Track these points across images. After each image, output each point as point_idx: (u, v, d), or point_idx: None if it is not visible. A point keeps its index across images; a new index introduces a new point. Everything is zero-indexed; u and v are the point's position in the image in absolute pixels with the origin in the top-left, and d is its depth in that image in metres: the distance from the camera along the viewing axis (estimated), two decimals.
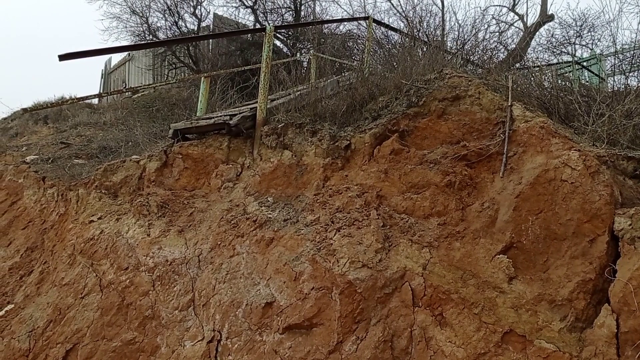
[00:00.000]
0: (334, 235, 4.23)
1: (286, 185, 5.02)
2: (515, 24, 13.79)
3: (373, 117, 5.13)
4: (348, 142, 4.92)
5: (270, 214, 4.71)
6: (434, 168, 4.41)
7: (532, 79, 5.50)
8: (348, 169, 4.86)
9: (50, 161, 7.41)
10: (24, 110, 6.30)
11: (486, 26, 11.26)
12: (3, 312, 5.13)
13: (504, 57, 9.46)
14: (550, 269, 3.57)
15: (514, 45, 11.66)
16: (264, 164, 5.24)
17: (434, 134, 4.70)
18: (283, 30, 15.04)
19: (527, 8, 13.56)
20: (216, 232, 4.80)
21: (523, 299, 3.51)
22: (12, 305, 5.17)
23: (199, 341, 4.20)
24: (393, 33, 9.68)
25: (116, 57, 19.12)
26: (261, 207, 4.85)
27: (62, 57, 4.65)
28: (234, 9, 15.50)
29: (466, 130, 4.57)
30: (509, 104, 4.38)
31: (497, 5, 13.75)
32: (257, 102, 5.80)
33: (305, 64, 12.21)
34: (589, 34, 13.94)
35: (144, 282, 4.64)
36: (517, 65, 8.25)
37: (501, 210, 3.91)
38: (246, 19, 15.74)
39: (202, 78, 7.44)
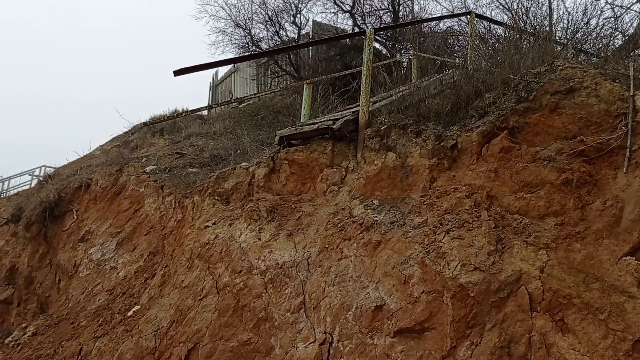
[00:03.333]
0: (443, 237, 4.14)
1: (391, 187, 4.99)
2: (634, 7, 12.75)
3: (480, 115, 4.96)
4: (454, 141, 4.80)
5: (376, 216, 4.70)
6: (548, 165, 4.18)
7: None
8: (455, 169, 4.74)
9: (167, 170, 7.91)
10: (144, 124, 6.81)
11: (599, 12, 10.51)
12: (131, 312, 5.54)
13: (621, 44, 8.78)
14: None
15: (633, 30, 10.79)
16: (368, 166, 5.25)
17: (547, 129, 4.46)
18: (382, 33, 15.00)
19: None
20: (323, 235, 4.87)
21: None
22: (139, 306, 5.57)
23: (311, 343, 4.28)
24: (497, 27, 9.32)
25: (222, 70, 20.08)
26: (367, 210, 4.86)
27: (177, 73, 4.95)
28: (332, 14, 15.74)
29: (582, 124, 4.29)
30: (631, 93, 4.06)
31: None
32: (358, 105, 5.82)
33: (405, 64, 12.07)
34: None
35: (257, 284, 4.81)
36: (638, 51, 7.63)
37: (627, 208, 3.63)
38: (344, 23, 15.91)
39: (304, 85, 7.59)
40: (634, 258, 3.44)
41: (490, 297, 3.69)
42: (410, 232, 4.37)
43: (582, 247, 3.69)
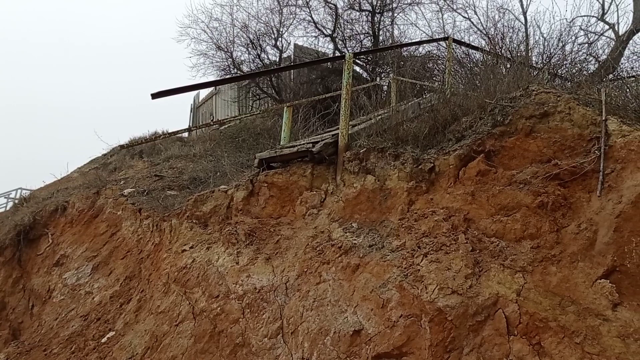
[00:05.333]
0: (421, 260, 4.14)
1: (370, 210, 4.99)
2: (606, 34, 13.09)
3: (457, 139, 5.01)
4: (432, 164, 4.83)
5: (355, 239, 4.69)
6: (524, 189, 4.23)
7: (628, 90, 5.17)
8: (433, 192, 4.77)
9: (145, 193, 7.84)
10: (121, 146, 6.71)
11: (573, 38, 10.76)
12: (105, 339, 5.43)
13: (594, 69, 8.99)
14: None
15: (605, 56, 11.06)
16: (347, 189, 5.25)
17: (523, 153, 4.52)
18: (362, 56, 15.17)
19: (618, 16, 12.80)
20: (302, 259, 4.84)
21: (630, 327, 3.25)
22: (114, 333, 5.45)
23: None
24: (474, 52, 9.49)
25: (204, 92, 20.08)
26: (346, 233, 4.85)
27: (155, 96, 4.94)
28: (314, 38, 15.89)
29: (557, 148, 4.35)
30: (603, 118, 4.14)
31: (584, 16, 13.05)
32: (338, 128, 5.85)
33: (385, 88, 12.21)
34: None
35: (234, 309, 4.74)
36: (610, 76, 7.80)
37: (600, 231, 3.67)
38: (325, 47, 16.05)
39: (285, 107, 7.62)
40: (608, 281, 3.46)
41: (467, 320, 3.69)
42: (388, 255, 4.36)
43: (557, 270, 3.72)
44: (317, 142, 5.69)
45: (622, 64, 10.69)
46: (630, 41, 11.98)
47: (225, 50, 15.45)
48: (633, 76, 6.52)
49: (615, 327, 3.29)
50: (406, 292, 3.98)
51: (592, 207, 3.88)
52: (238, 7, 16.23)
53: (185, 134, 14.92)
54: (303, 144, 5.92)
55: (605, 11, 13.16)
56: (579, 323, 3.42)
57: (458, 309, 3.71)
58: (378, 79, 13.92)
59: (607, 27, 12.90)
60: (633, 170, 3.75)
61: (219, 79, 15.46)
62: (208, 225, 5.77)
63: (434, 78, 11.80)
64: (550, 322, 3.49)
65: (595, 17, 13.29)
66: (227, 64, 15.59)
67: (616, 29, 12.62)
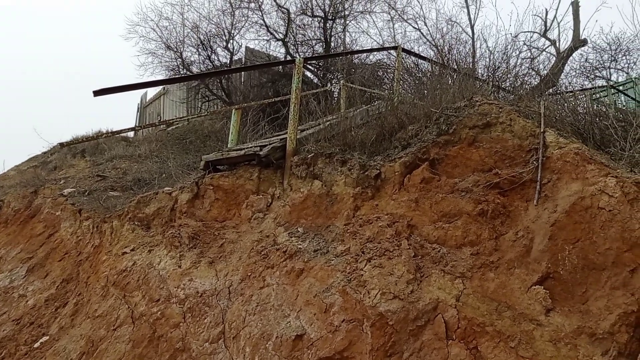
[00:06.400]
0: (365, 265, 4.17)
1: (316, 215, 5.00)
2: (548, 50, 13.64)
3: (403, 146, 5.09)
4: (378, 171, 4.89)
5: (300, 244, 4.68)
6: (465, 196, 4.33)
7: (566, 104, 5.39)
8: (378, 199, 4.82)
9: (86, 194, 7.58)
10: (62, 144, 6.48)
11: (518, 52, 11.15)
12: (38, 343, 5.20)
13: (536, 83, 9.33)
14: (590, 300, 3.44)
15: (546, 71, 11.52)
16: (294, 194, 5.24)
17: (465, 162, 4.64)
18: (313, 62, 15.23)
19: (559, 33, 13.33)
20: (246, 263, 4.79)
21: (562, 332, 3.38)
22: (47, 337, 5.23)
23: None
24: (423, 62, 9.69)
25: (152, 92, 19.67)
26: (291, 237, 4.83)
27: (97, 93, 4.79)
28: (265, 42, 15.83)
29: (498, 158, 4.49)
30: (542, 130, 4.30)
31: (528, 32, 13.60)
32: (287, 132, 5.84)
33: (335, 94, 12.29)
34: (624, 57, 13.68)
35: (175, 314, 4.64)
36: (550, 91, 8.12)
37: (536, 239, 3.80)
38: (277, 51, 16.03)
39: (233, 110, 7.54)
40: (542, 287, 3.59)
41: (408, 325, 3.74)
42: (333, 260, 4.37)
43: (495, 276, 3.82)
44: (265, 146, 5.66)
45: (561, 79, 11.17)
46: (570, 58, 12.53)
47: (175, 50, 15.21)
48: (571, 91, 6.80)
49: (548, 332, 3.41)
50: (349, 297, 4.00)
51: (529, 215, 4.01)
52: (189, 7, 16.05)
53: (131, 134, 14.56)
54: (251, 147, 5.88)
55: (547, 28, 13.73)
56: (514, 328, 3.52)
57: (399, 314, 3.75)
58: (328, 84, 14.01)
59: (548, 43, 13.45)
60: (568, 180, 3.91)
61: (167, 78, 15.18)
62: (151, 227, 5.63)
63: (383, 86, 11.98)
64: (487, 327, 3.58)
65: (537, 33, 13.84)
66: (176, 64, 15.34)
67: (557, 45, 13.18)
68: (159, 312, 4.69)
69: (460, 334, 3.64)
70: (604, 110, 5.37)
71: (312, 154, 5.32)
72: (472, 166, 4.58)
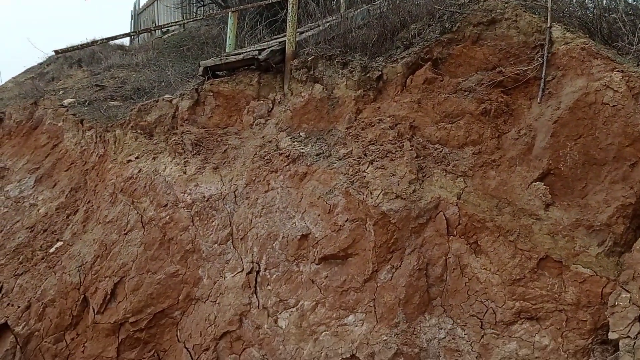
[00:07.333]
0: (367, 167, 4.22)
1: (318, 119, 4.99)
2: None
3: (405, 46, 4.97)
4: (380, 72, 4.81)
5: (302, 148, 4.71)
6: (468, 96, 4.30)
7: None
8: (380, 101, 4.78)
9: (86, 104, 7.50)
10: (56, 51, 6.32)
11: None
12: (54, 249, 5.39)
13: None
14: (589, 194, 3.51)
15: None
16: (295, 98, 5.20)
17: (469, 60, 4.55)
18: None
19: None
20: (250, 168, 4.85)
21: (560, 225, 3.48)
22: (62, 243, 5.41)
23: (238, 272, 4.35)
24: None
25: None
26: (293, 142, 4.85)
27: None
28: None
29: (502, 56, 4.40)
30: (548, 25, 4.18)
31: None
32: (286, 35, 5.69)
33: None
34: None
35: (183, 218, 4.77)
36: None
37: (538, 136, 3.82)
38: None
39: (230, 13, 7.29)
40: (542, 183, 3.65)
41: (410, 223, 3.85)
42: (335, 163, 4.42)
43: (496, 174, 3.88)
44: (263, 50, 5.53)
45: None
46: None
47: None
48: None
49: (547, 225, 3.52)
50: (352, 198, 4.08)
51: (532, 113, 4.00)
52: None
53: (127, 43, 14.18)
54: (249, 51, 5.74)
55: None
56: (514, 223, 3.62)
57: (401, 212, 3.85)
58: None
59: None
60: (573, 77, 3.86)
61: None
62: (153, 135, 5.63)
63: None
64: (487, 223, 3.69)
65: None
66: None
67: None
68: (168, 217, 4.81)
69: (461, 230, 3.76)
70: (613, 3, 5.18)
71: (312, 57, 5.21)
72: (476, 65, 4.51)
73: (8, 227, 6.18)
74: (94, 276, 4.83)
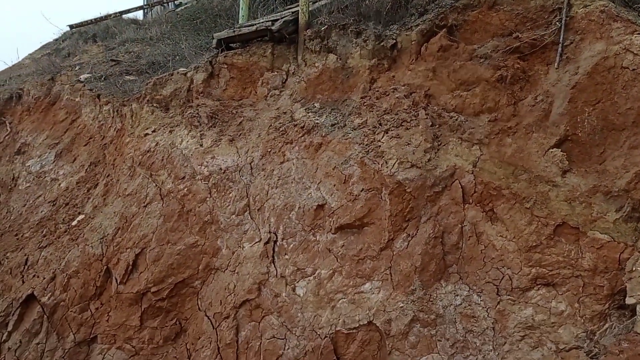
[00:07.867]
0: (382, 137, 4.22)
1: (332, 89, 4.97)
2: None
3: (420, 13, 4.90)
4: (394, 41, 4.75)
5: (317, 119, 4.71)
6: (484, 63, 4.24)
7: None
8: (395, 70, 4.74)
9: (103, 79, 7.56)
10: (70, 26, 6.37)
11: None
12: (76, 222, 5.51)
13: None
14: (607, 160, 3.47)
15: None
16: (309, 69, 5.18)
17: (485, 26, 4.47)
18: None
19: None
20: (266, 139, 4.87)
21: (577, 191, 3.46)
22: (83, 216, 5.53)
23: (256, 242, 4.42)
24: None
25: None
26: (308, 113, 4.86)
27: None
28: None
29: (519, 21, 4.31)
30: None
31: None
32: (298, 5, 5.64)
33: None
34: None
35: (201, 189, 4.83)
36: None
37: (556, 102, 3.77)
38: None
39: None
40: (559, 150, 3.62)
41: (425, 192, 3.85)
42: (350, 133, 4.42)
43: (513, 141, 3.85)
44: (276, 20, 5.50)
45: None
46: None
47: None
48: None
49: (563, 192, 3.50)
50: (367, 168, 4.09)
51: (549, 79, 3.94)
52: None
53: (140, 17, 14.16)
54: (262, 22, 5.71)
55: None
56: (530, 190, 3.61)
57: (417, 181, 3.86)
58: None
59: None
60: (592, 41, 3.78)
61: None
62: (169, 108, 5.68)
63: None
64: (504, 190, 3.68)
65: None
66: None
67: None
68: (186, 189, 4.88)
69: (476, 198, 3.76)
70: None
71: (326, 27, 5.16)
72: (492, 31, 4.42)
73: (31, 202, 6.33)
74: (116, 248, 4.95)
